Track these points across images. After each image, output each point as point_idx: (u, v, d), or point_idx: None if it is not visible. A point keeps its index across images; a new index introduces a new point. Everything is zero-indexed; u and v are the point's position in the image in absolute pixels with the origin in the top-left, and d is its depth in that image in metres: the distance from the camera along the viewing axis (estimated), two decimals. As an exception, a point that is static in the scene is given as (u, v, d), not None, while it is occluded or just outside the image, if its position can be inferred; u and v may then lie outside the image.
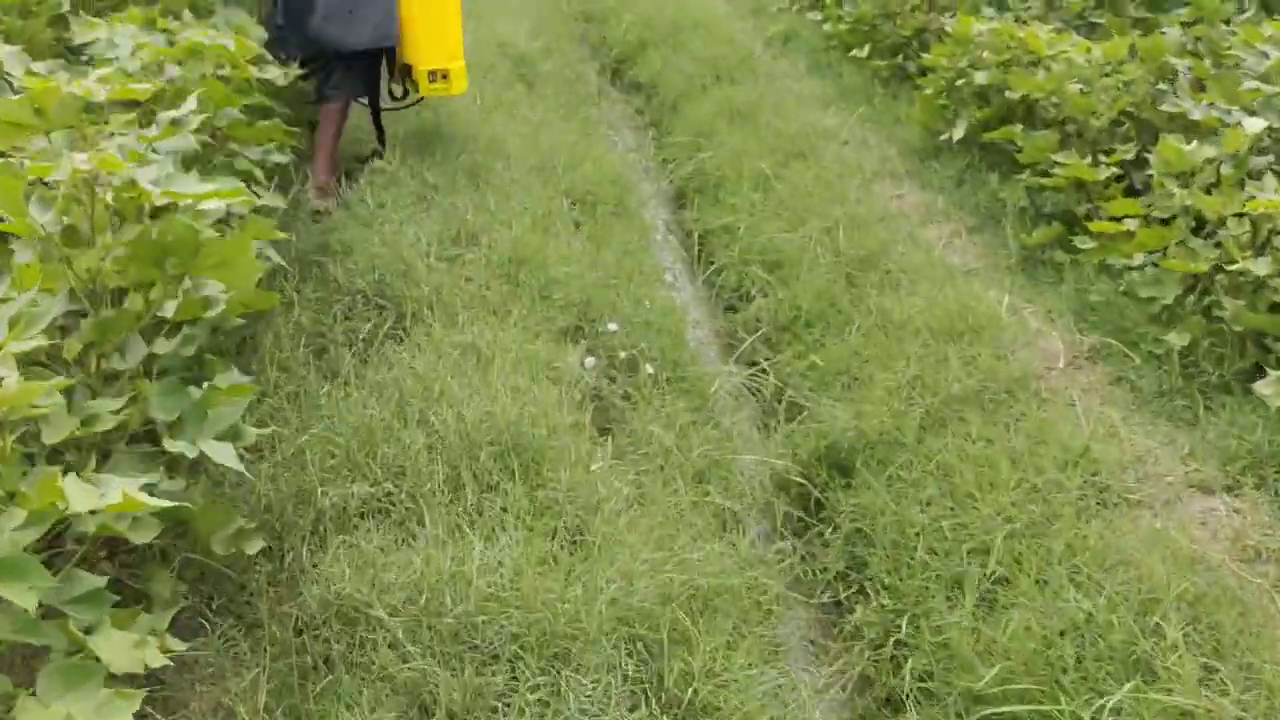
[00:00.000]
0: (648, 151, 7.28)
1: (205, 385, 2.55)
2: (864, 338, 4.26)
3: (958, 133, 5.79)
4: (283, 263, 3.68)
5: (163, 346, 2.69)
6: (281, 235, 3.42)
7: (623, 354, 4.06)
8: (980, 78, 5.67)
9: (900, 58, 7.08)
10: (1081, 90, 5.08)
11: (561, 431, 3.09)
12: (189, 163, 3.46)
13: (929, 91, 6.24)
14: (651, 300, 4.52)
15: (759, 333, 4.73)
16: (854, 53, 7.43)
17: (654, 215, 6.18)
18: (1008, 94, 5.55)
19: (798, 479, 3.72)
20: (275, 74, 4.16)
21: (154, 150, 2.98)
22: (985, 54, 5.81)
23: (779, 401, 4.24)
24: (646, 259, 5.11)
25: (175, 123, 3.04)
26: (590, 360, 3.82)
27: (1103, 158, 4.86)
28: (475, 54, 6.73)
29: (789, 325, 4.63)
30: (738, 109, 6.98)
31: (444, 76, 4.91)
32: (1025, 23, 6.31)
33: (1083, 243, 4.62)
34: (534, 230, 4.39)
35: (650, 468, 3.50)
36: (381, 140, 5.26)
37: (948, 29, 6.21)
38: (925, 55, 6.63)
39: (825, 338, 4.45)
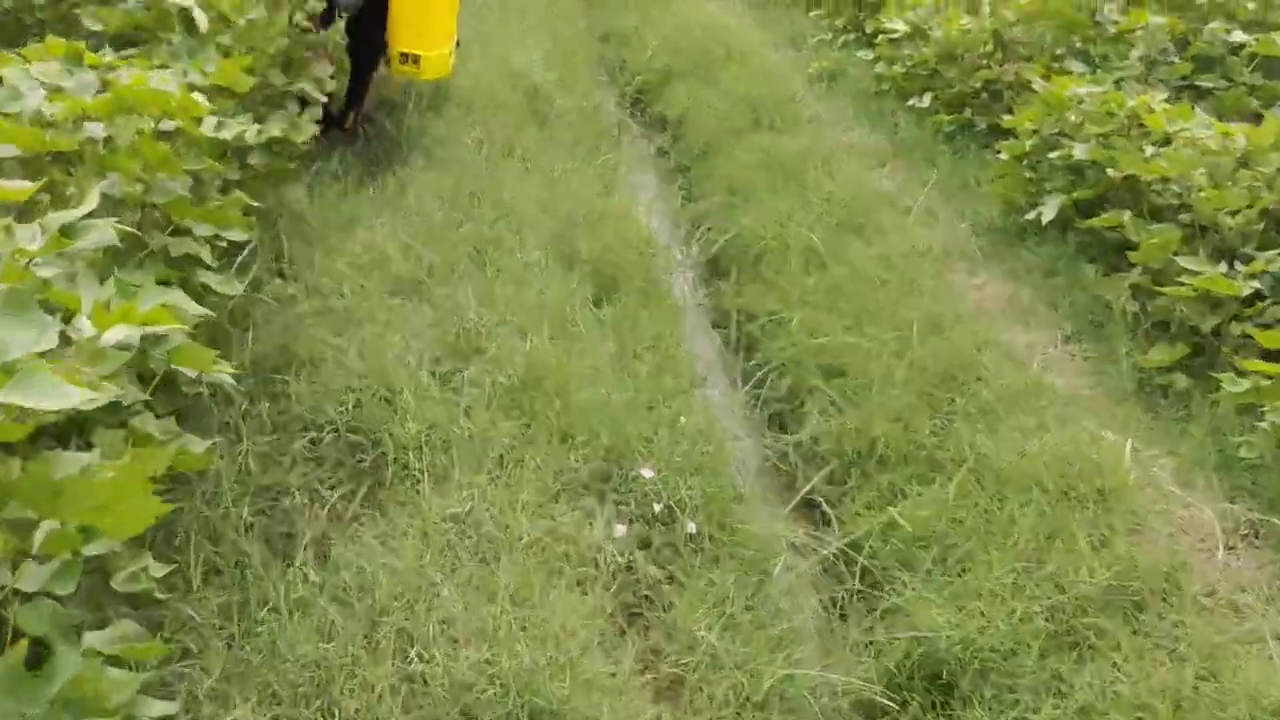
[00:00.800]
0: (673, 204, 6.47)
1: (80, 654, 1.73)
2: (958, 492, 3.44)
3: (1047, 212, 4.99)
4: (230, 380, 2.84)
5: (31, 578, 1.87)
6: (227, 369, 2.61)
7: (658, 505, 3.25)
8: (1079, 151, 4.87)
9: (968, 112, 6.27)
10: (1212, 180, 4.29)
11: (592, 686, 2.26)
12: (106, 262, 2.66)
13: (1006, 157, 5.45)
14: (688, 418, 3.71)
15: (820, 469, 3.92)
16: (912, 102, 6.62)
17: (684, 291, 5.37)
18: (1110, 172, 4.75)
19: (884, 700, 2.91)
20: (237, 129, 3.33)
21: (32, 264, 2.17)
22: (1083, 122, 5.01)
23: (851, 570, 3.43)
24: (680, 358, 4.30)
25: (66, 232, 2.22)
26: (620, 529, 3.00)
27: (1239, 265, 4.07)
28: (486, 87, 5.93)
29: (857, 459, 3.83)
30: (780, 161, 6.17)
31: (414, 61, 4.98)
32: (1120, 84, 5.53)
33: (1210, 364, 3.86)
34: (551, 335, 3.56)
35: (692, 680, 2.70)
36: (349, 109, 5.24)
37: (1034, 86, 5.41)
38: (1003, 114, 5.87)
39: (907, 484, 3.65)
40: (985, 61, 6.34)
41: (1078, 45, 6.06)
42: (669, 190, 6.66)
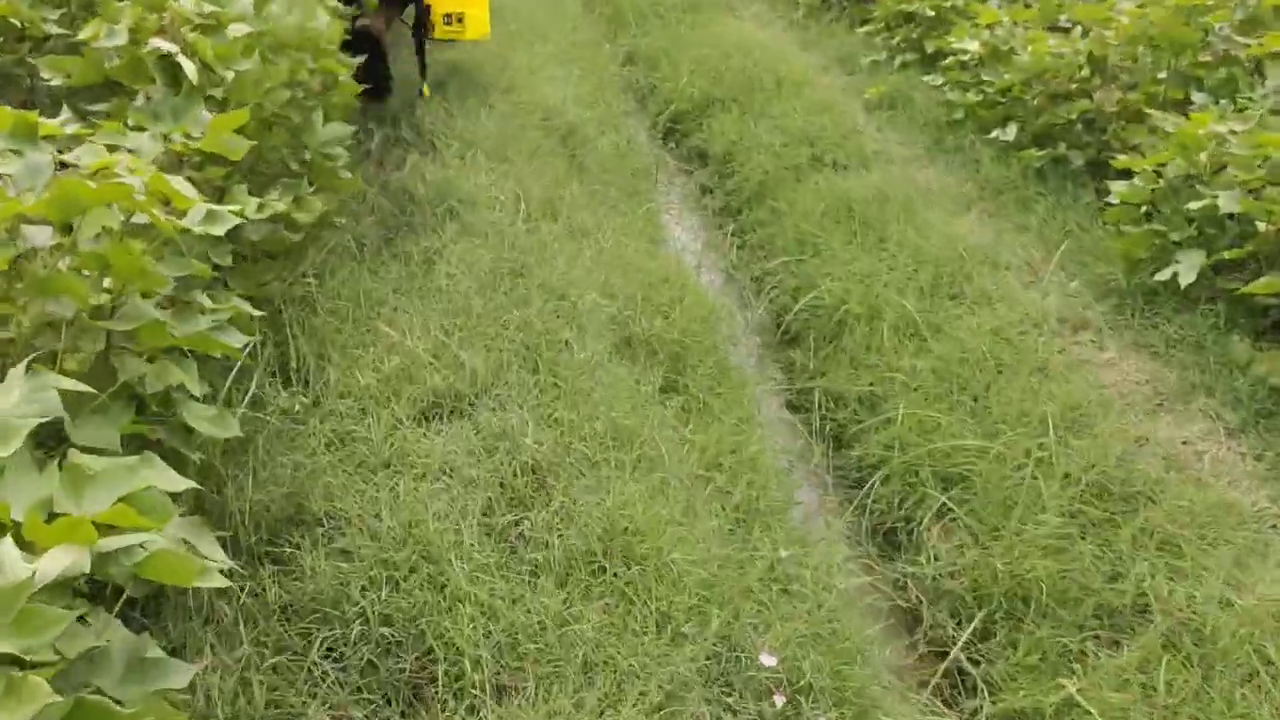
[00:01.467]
0: (726, 253, 5.77)
1: None
2: (1169, 688, 2.72)
3: (1185, 274, 4.29)
4: (225, 566, 2.13)
5: None
6: (216, 578, 1.91)
7: (779, 700, 2.53)
8: (1226, 201, 4.17)
9: (1062, 146, 5.57)
10: None
11: None
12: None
13: (1120, 203, 4.76)
14: (801, 566, 3.01)
15: (951, 609, 3.22)
16: (995, 134, 5.91)
17: (753, 362, 4.67)
18: (1263, 227, 4.06)
19: None
20: (230, 220, 2.63)
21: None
22: (1223, 165, 4.31)
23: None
24: (768, 468, 3.60)
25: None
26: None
27: None
28: (516, 131, 5.23)
29: (1012, 612, 3.11)
30: (848, 206, 5.48)
31: (459, 19, 5.49)
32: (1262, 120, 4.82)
33: None
34: (633, 478, 2.85)
35: None
36: (423, 72, 5.72)
37: (1153, 119, 4.70)
38: (1103, 148, 5.19)
39: (1079, 642, 2.93)
40: (1081, 88, 5.64)
41: (1189, 70, 5.35)
42: (718, 237, 5.95)
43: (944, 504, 3.55)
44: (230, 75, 3.16)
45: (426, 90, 5.65)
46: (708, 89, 7.43)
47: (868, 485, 3.73)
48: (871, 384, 4.22)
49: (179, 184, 2.47)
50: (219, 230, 2.60)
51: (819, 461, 4.10)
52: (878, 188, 5.64)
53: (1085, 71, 5.63)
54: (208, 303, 2.63)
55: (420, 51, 5.74)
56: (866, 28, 8.21)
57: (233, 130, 2.95)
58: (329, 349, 3.26)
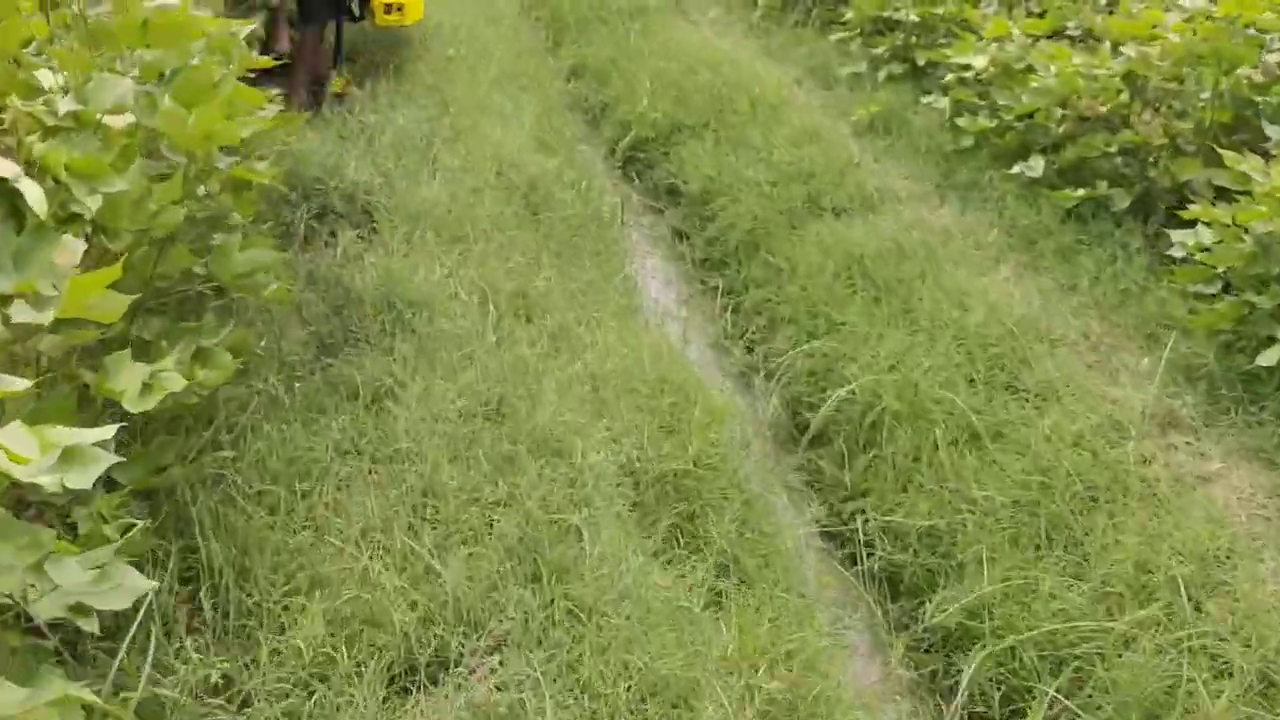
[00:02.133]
0: (714, 319, 4.98)
1: None
2: None
3: (1293, 359, 3.59)
4: None
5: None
6: None
7: None
8: (1345, 275, 3.48)
9: (1103, 184, 4.86)
10: None
11: None
12: None
13: (1185, 260, 4.08)
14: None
15: None
16: (1018, 168, 5.18)
17: (776, 476, 3.89)
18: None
19: None
20: (92, 459, 1.80)
21: None
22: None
23: None
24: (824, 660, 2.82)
25: None
26: None
27: None
28: (471, 195, 4.38)
29: None
30: (863, 263, 4.72)
31: (399, 9, 5.68)
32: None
33: None
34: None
35: None
36: (338, 59, 5.79)
37: (1244, 170, 4.00)
38: (1144, 182, 4.52)
39: None
40: (1116, 113, 4.93)
41: (1242, 90, 4.66)
42: (704, 300, 5.15)
43: (1060, 702, 2.80)
44: (94, 202, 2.28)
45: (338, 83, 5.62)
46: (671, 111, 6.60)
47: (958, 680, 2.96)
48: (931, 512, 3.46)
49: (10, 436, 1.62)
50: (83, 482, 1.76)
51: (875, 619, 3.34)
52: (891, 238, 4.89)
53: (1123, 95, 4.91)
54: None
55: (338, 37, 5.83)
56: (839, 34, 7.43)
57: (105, 285, 2.11)
58: (254, 563, 2.41)
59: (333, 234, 4.16)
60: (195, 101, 2.66)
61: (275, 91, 4.03)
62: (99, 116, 2.37)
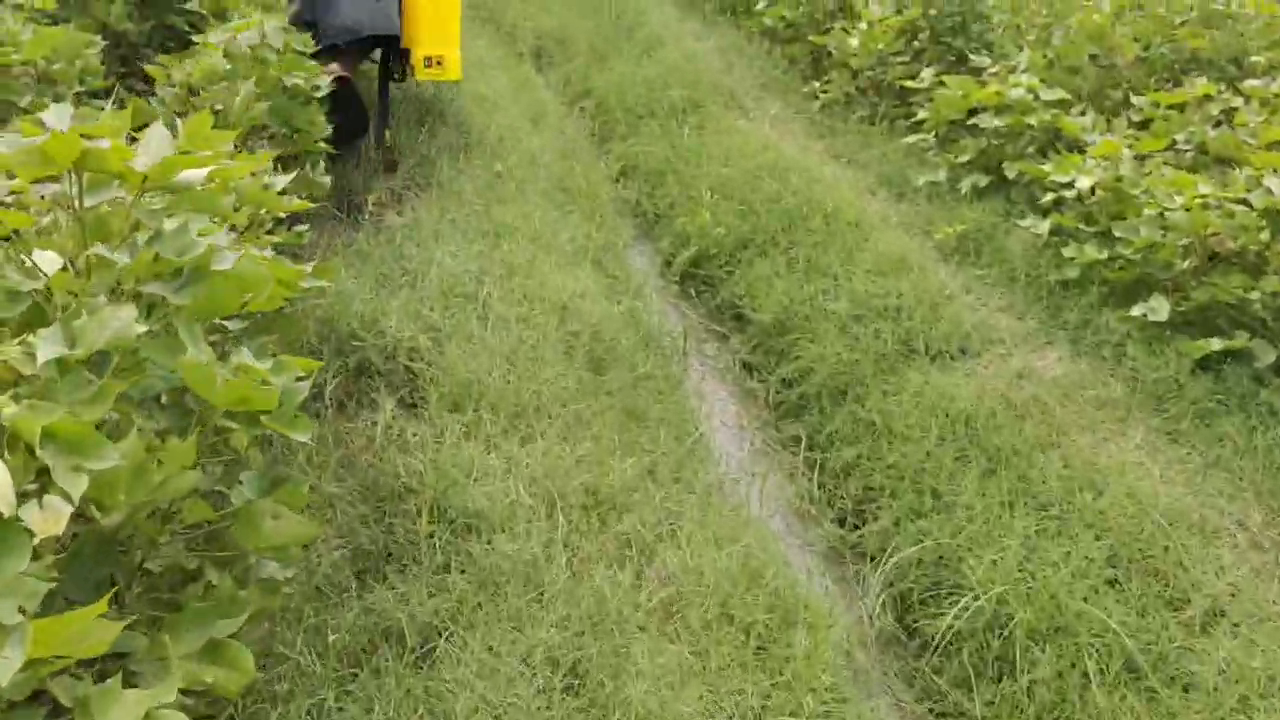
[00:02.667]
0: (798, 479, 4.43)
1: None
2: None
3: None
4: None
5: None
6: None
7: None
8: None
9: (1245, 336, 4.30)
10: None
11: None
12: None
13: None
14: None
15: None
16: (1140, 311, 4.62)
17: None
18: None
19: None
20: None
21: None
22: None
23: None
24: None
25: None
26: None
27: None
28: (531, 354, 3.87)
29: None
30: (969, 425, 4.18)
31: (439, 63, 5.74)
32: None
33: None
34: None
35: None
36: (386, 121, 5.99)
37: None
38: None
39: None
40: (1253, 251, 4.39)
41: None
42: (784, 456, 4.59)
43: None
44: (82, 481, 1.77)
45: (389, 136, 5.81)
46: (735, 225, 6.11)
47: None
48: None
49: None
50: None
51: None
52: (999, 392, 4.34)
53: (1264, 235, 4.37)
54: None
55: (384, 96, 6.07)
56: (912, 136, 6.94)
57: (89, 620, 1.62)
58: None
59: (371, 400, 3.65)
60: (220, 308, 2.17)
61: (306, 229, 3.58)
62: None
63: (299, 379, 2.17)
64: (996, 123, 6.19)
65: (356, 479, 3.19)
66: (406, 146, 6.09)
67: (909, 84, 7.06)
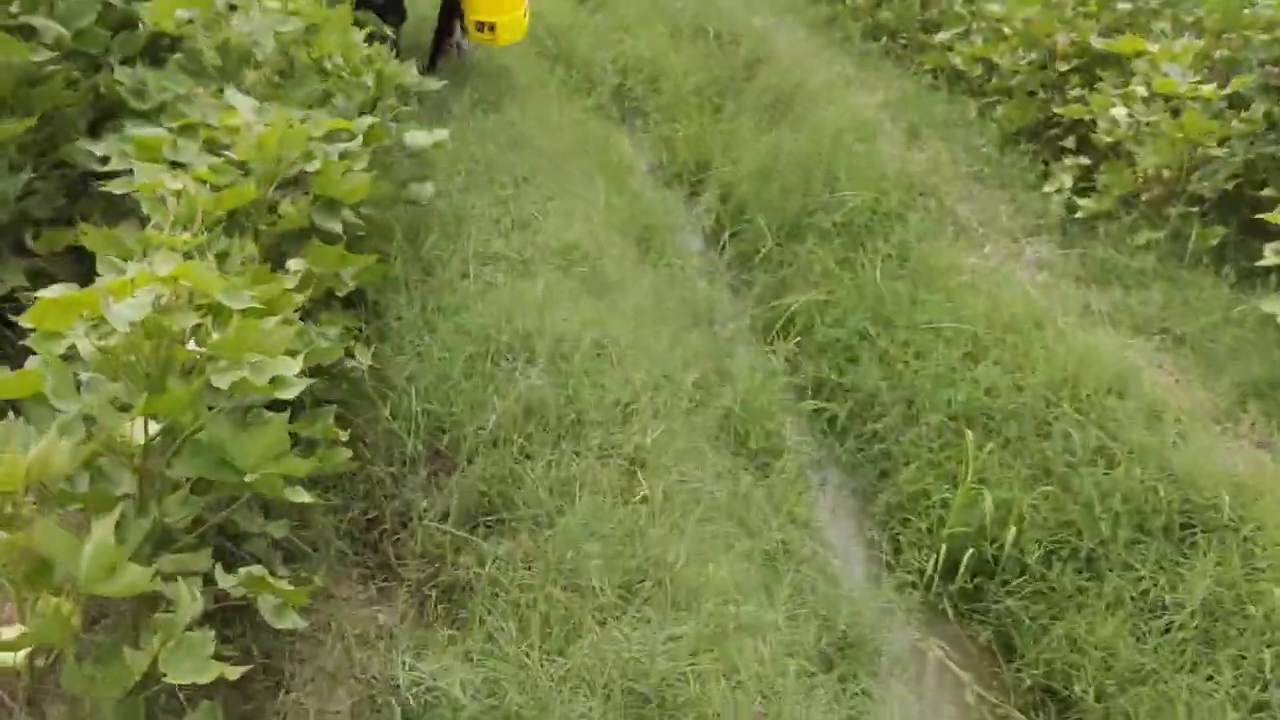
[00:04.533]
0: None
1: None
2: None
3: None
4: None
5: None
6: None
7: None
8: None
9: None
10: None
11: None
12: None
13: None
14: None
15: None
16: None
17: None
18: None
19: None
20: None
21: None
22: None
23: None
24: None
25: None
26: None
27: None
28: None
29: None
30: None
31: (490, 28, 5.81)
32: None
33: None
34: None
35: None
36: (433, 64, 6.16)
37: None
38: None
39: None
40: None
41: None
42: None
43: None
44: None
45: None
46: (1037, 510, 3.50)
47: None
48: None
49: None
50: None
51: None
52: None
53: None
54: None
55: (440, 39, 6.28)
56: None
57: None
58: None
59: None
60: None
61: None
62: None
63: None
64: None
65: None
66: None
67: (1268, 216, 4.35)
